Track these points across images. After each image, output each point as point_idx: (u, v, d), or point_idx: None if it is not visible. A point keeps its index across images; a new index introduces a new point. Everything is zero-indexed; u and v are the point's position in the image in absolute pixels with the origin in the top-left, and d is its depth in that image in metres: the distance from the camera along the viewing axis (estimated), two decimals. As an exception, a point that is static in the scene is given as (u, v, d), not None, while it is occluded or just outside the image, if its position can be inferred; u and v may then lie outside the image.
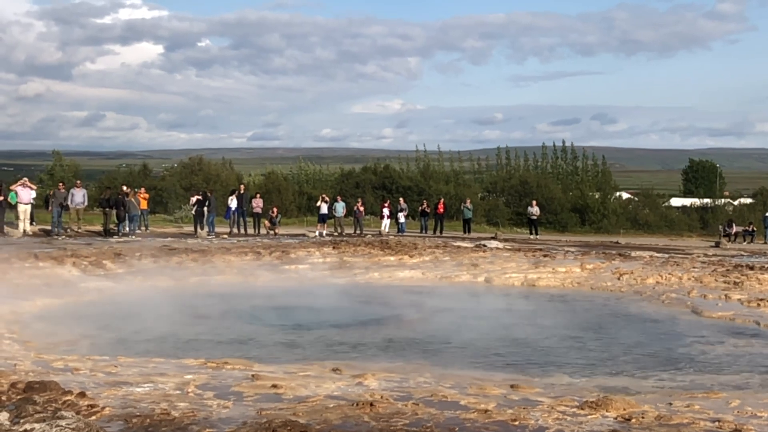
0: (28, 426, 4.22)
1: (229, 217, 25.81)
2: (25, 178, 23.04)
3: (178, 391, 5.63)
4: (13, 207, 22.60)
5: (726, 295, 14.01)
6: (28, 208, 22.08)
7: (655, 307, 13.61)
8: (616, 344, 10.37)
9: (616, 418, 5.10)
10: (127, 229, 22.85)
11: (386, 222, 29.05)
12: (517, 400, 5.78)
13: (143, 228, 24.71)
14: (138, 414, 4.76)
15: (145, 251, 17.26)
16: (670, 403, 5.95)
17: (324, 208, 27.32)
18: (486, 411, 5.15)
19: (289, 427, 4.43)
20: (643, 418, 5.11)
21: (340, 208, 28.01)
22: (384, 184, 41.48)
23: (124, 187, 24.33)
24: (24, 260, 15.02)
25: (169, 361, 7.49)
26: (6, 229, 21.65)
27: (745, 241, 32.26)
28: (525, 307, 13.59)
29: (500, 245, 21.73)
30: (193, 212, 24.86)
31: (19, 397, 4.99)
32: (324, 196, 28.52)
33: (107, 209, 23.30)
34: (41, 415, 4.43)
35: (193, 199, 24.68)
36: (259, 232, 25.64)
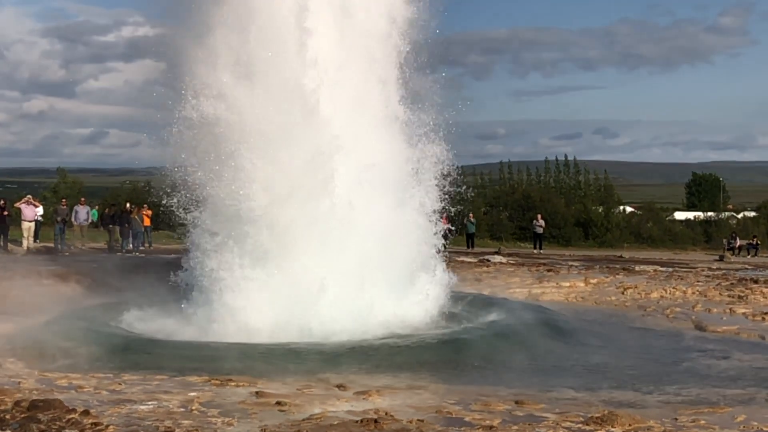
0: (32, 444, 4.22)
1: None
2: (29, 196, 23.12)
3: (182, 409, 5.62)
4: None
5: (730, 309, 13.96)
6: (32, 225, 22.14)
7: (659, 322, 13.54)
8: (621, 359, 10.30)
9: (621, 434, 5.08)
10: (131, 246, 22.89)
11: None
12: (521, 416, 5.76)
13: (147, 245, 24.73)
14: (142, 432, 4.76)
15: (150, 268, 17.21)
16: (676, 418, 5.91)
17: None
18: (491, 428, 5.14)
19: (293, 445, 4.41)
20: (648, 433, 5.08)
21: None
22: (387, 199, 41.41)
23: (128, 204, 24.37)
24: (27, 277, 15.01)
25: (173, 379, 7.46)
26: (9, 246, 21.70)
27: (749, 254, 32.17)
28: (527, 320, 13.51)
29: (504, 260, 21.70)
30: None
31: (23, 415, 4.99)
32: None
33: (111, 226, 23.35)
34: (45, 433, 4.43)
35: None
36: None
